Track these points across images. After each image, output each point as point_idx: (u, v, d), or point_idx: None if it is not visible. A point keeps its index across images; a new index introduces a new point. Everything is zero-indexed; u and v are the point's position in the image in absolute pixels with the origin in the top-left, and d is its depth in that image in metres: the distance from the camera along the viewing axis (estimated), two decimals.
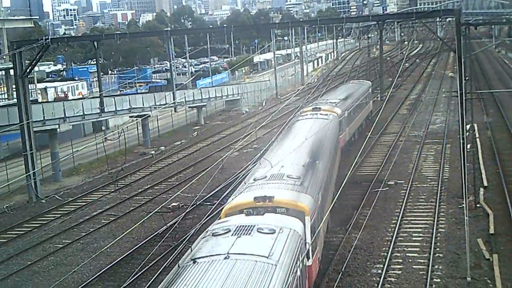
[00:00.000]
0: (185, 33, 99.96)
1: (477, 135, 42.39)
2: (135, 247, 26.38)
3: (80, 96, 76.56)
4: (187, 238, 19.08)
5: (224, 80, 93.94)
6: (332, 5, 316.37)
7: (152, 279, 22.08)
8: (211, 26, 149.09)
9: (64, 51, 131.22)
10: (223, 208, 18.46)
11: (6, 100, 55.36)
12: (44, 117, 41.63)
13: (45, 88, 75.88)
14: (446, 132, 46.15)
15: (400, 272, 21.78)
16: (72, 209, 34.01)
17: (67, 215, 32.77)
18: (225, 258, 13.27)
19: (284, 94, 76.71)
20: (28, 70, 36.84)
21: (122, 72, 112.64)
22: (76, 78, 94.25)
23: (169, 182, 38.41)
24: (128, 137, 47.71)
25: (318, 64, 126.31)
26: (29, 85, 43.36)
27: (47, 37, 36.68)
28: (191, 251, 14.31)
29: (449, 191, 31.07)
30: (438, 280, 20.96)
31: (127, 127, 46.61)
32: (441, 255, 23.08)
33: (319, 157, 23.73)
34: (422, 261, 22.61)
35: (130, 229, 26.22)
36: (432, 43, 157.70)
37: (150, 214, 27.44)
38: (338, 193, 18.85)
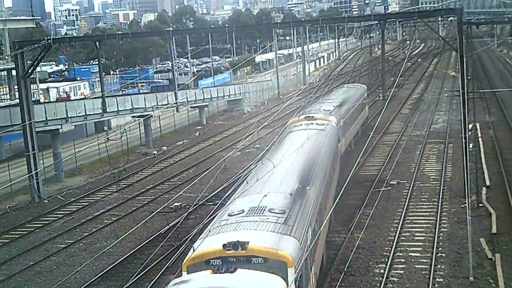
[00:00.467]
0: (187, 33, 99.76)
1: (479, 134, 42.34)
2: (138, 247, 26.39)
3: (82, 96, 76.69)
4: (190, 238, 19.07)
5: (226, 80, 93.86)
6: (334, 4, 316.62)
7: (155, 279, 22.07)
8: (213, 26, 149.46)
9: (66, 51, 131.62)
10: (185, 258, 14.66)
11: (9, 100, 55.52)
12: (46, 117, 41.62)
13: (47, 89, 76.12)
14: (448, 131, 46.08)
15: (402, 272, 21.77)
16: (75, 209, 34.04)
17: (69, 215, 32.79)
18: None
19: (286, 94, 76.78)
20: (30, 71, 36.84)
21: (124, 72, 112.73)
22: (78, 78, 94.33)
23: (172, 182, 38.43)
24: (130, 137, 47.81)
25: (320, 64, 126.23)
26: (31, 85, 43.35)
27: (49, 37, 36.60)
28: None
29: (452, 191, 31.03)
30: (441, 279, 20.94)
31: (129, 127, 46.55)
32: (443, 254, 23.06)
33: (310, 181, 20.49)
34: (424, 260, 22.60)
35: (132, 229, 26.32)
36: (434, 42, 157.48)
37: (153, 214, 27.44)
38: (340, 194, 18.67)
